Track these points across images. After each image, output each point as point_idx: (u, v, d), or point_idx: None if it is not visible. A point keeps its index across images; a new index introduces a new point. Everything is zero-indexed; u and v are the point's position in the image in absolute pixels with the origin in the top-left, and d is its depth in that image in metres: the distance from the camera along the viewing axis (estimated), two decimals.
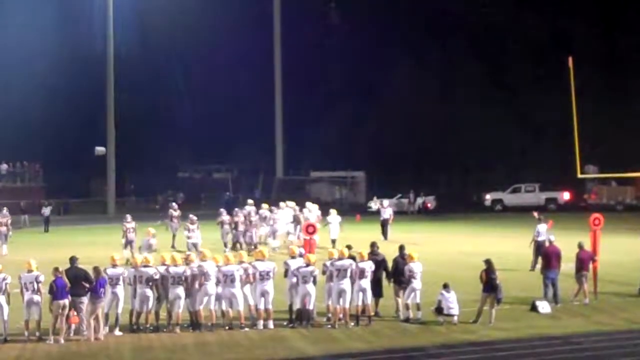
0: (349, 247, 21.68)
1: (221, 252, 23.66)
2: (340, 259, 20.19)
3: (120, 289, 19.64)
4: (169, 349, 18.40)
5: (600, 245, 23.90)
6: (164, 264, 20.05)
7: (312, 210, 36.42)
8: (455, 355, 17.76)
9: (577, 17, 66.86)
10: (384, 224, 39.08)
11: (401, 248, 21.47)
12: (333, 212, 36.24)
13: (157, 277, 19.77)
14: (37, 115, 65.27)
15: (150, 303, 19.73)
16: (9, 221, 37.09)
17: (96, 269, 19.50)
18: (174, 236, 36.02)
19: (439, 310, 20.34)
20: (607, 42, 66.40)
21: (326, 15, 78.33)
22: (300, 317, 20.01)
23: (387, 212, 39.61)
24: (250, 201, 37.52)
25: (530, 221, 30.77)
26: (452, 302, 20.24)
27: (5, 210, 38.51)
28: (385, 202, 43.31)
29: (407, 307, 20.66)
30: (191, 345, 18.62)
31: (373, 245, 21.49)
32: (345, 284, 19.91)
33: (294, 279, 20.05)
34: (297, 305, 20.01)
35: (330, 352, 17.93)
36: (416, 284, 20.58)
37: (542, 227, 28.67)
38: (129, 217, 33.88)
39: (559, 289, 22.39)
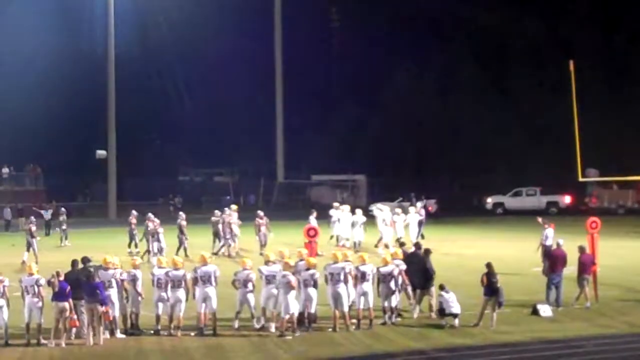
0: (402, 244, 22.38)
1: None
2: (334, 262, 20.18)
3: (113, 292, 19.56)
4: (171, 352, 18.40)
5: (600, 248, 23.89)
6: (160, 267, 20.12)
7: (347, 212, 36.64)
8: (457, 359, 17.76)
9: (578, 21, 66.89)
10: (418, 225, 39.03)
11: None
12: (358, 212, 36.63)
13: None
14: (38, 118, 65.19)
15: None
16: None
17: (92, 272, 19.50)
18: (133, 243, 35.25)
19: (441, 311, 20.33)
20: (609, 45, 66.40)
21: (327, 19, 78.39)
22: (301, 321, 19.99)
23: (421, 213, 39.34)
24: (217, 212, 36.10)
25: (531, 225, 30.76)
26: (452, 302, 20.22)
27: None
28: (419, 204, 43.45)
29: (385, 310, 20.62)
30: (193, 349, 18.60)
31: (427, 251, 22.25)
32: (340, 287, 19.85)
33: None
34: (298, 310, 19.97)
35: (331, 356, 17.91)
36: (366, 286, 20.19)
37: (550, 232, 28.46)
38: (32, 218, 33.99)
39: (562, 292, 22.38)
